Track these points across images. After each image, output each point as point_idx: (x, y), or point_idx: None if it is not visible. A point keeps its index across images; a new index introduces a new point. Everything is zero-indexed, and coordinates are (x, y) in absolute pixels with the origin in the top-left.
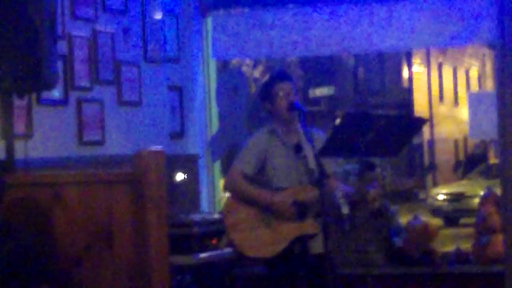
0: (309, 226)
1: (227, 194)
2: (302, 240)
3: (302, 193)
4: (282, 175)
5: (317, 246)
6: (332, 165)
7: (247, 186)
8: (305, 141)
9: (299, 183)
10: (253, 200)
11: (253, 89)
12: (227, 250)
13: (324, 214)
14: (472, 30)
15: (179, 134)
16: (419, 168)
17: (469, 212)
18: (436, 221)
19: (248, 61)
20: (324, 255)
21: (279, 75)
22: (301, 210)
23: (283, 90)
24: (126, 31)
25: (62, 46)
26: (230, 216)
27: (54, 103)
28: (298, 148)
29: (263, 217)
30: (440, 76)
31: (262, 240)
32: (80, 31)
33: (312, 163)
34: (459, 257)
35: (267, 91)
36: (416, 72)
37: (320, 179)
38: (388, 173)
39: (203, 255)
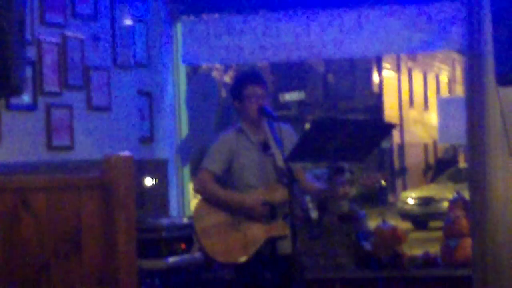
0: (279, 227)
1: (197, 197)
2: (272, 242)
3: (272, 193)
4: (250, 173)
5: (285, 247)
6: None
7: (216, 187)
8: (273, 141)
9: (267, 181)
10: (223, 202)
11: (223, 94)
12: (196, 254)
13: (293, 217)
14: (441, 36)
15: (148, 139)
16: (389, 172)
17: (438, 215)
18: (405, 225)
19: (218, 66)
20: (292, 257)
21: (251, 77)
22: (271, 212)
23: (253, 92)
24: (95, 36)
25: (31, 52)
26: (200, 222)
27: (23, 108)
28: (265, 146)
29: (232, 221)
30: (410, 81)
31: (233, 245)
32: (50, 37)
33: (280, 162)
34: (427, 260)
35: (237, 91)
36: (386, 77)
37: (289, 183)
38: (357, 170)
39: (172, 259)
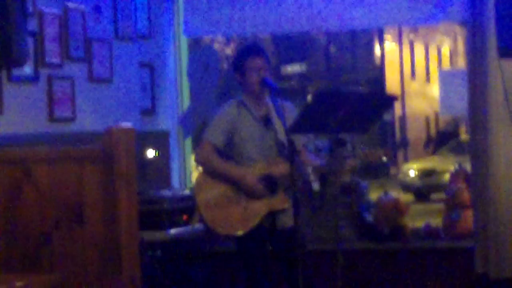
0: (280, 201)
1: (199, 169)
2: (272, 215)
3: (273, 167)
4: (251, 146)
5: (286, 220)
6: (302, 138)
7: (218, 160)
8: (275, 115)
9: (268, 155)
10: (223, 175)
11: (225, 66)
12: (198, 226)
13: (295, 189)
14: (443, 8)
15: (150, 110)
16: (390, 144)
17: (439, 187)
18: (407, 197)
19: (220, 38)
20: (294, 230)
21: (252, 49)
22: (272, 185)
23: (255, 64)
24: (97, 8)
25: (33, 23)
26: (201, 194)
27: (24, 80)
28: (267, 120)
29: (234, 193)
30: (412, 53)
31: (233, 218)
32: (51, 8)
33: (282, 136)
34: (429, 232)
35: (239, 64)
36: (388, 50)
37: (290, 155)
38: (358, 143)
39: (173, 231)
